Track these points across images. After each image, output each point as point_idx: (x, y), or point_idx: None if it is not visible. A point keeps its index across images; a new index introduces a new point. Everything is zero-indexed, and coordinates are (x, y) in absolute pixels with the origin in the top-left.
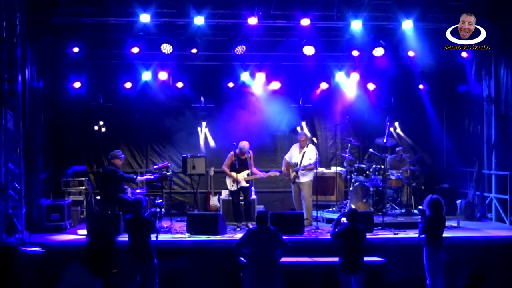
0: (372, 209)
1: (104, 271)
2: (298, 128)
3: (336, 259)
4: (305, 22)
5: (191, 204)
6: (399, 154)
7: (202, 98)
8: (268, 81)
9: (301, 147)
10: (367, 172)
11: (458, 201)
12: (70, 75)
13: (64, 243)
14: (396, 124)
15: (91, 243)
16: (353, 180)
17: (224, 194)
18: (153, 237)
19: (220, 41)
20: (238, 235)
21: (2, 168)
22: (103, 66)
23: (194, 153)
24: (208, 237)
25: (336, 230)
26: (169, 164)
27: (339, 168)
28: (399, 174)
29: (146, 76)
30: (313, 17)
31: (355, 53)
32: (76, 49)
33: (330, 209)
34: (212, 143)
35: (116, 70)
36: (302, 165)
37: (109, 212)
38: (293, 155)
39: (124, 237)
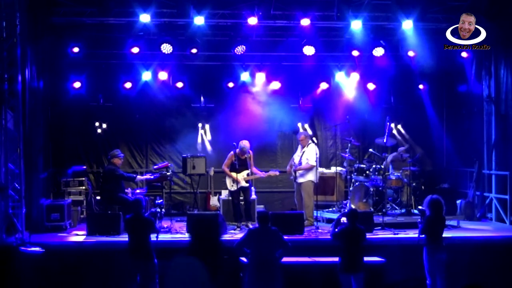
0: (372, 209)
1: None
2: (299, 125)
3: (336, 259)
4: (305, 22)
5: (191, 204)
6: (400, 153)
7: (202, 98)
8: (268, 81)
9: (302, 147)
10: (367, 172)
11: (458, 201)
12: (70, 75)
13: (64, 243)
14: (399, 126)
15: (193, 243)
16: (353, 180)
17: (224, 194)
18: (153, 237)
19: (220, 41)
20: (238, 235)
21: (2, 168)
22: (103, 66)
23: (194, 153)
24: None
25: (336, 230)
26: (169, 164)
27: (339, 168)
28: (399, 174)
29: (146, 76)
30: (313, 17)
31: (355, 53)
32: (76, 49)
33: (330, 209)
34: (209, 147)
35: (116, 70)
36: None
37: (109, 212)
38: (296, 154)
39: (124, 237)
